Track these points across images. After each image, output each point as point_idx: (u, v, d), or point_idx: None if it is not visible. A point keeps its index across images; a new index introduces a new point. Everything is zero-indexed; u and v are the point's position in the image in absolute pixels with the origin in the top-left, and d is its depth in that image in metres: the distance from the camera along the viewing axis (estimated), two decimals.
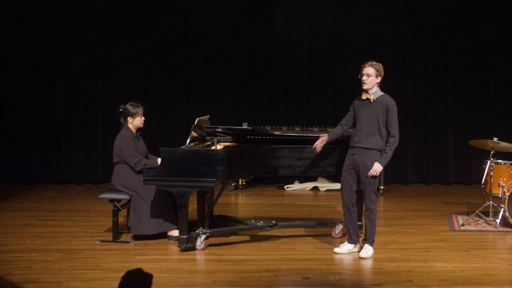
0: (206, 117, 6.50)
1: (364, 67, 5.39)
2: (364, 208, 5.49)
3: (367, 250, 5.44)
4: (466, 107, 9.66)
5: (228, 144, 6.41)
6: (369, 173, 5.30)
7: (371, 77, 5.34)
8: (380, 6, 9.58)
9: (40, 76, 9.47)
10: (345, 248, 5.56)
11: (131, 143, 5.97)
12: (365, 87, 5.38)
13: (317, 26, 9.64)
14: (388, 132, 5.33)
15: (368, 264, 5.29)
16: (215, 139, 6.04)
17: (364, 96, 5.42)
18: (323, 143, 5.65)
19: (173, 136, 9.52)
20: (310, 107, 9.67)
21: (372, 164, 5.30)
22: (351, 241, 5.58)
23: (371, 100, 5.38)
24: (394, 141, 5.32)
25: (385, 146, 5.33)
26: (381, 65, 5.42)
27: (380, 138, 5.34)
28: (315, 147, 5.66)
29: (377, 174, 5.33)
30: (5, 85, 9.42)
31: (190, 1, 9.59)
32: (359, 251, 5.51)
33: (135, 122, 6.10)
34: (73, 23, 9.45)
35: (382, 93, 5.43)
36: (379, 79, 5.39)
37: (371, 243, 5.47)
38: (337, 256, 5.50)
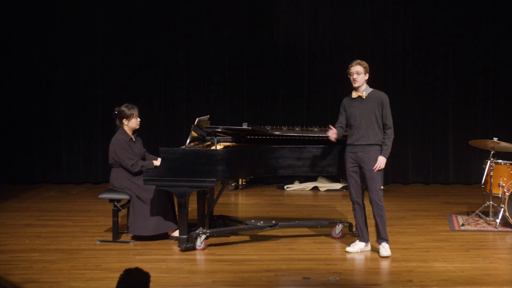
0: (206, 117, 6.49)
1: (352, 66, 5.51)
2: (372, 206, 5.46)
3: (386, 248, 5.44)
4: (466, 107, 9.66)
5: (228, 144, 6.40)
6: (374, 167, 5.36)
7: (361, 75, 5.47)
8: (380, 6, 9.58)
9: (40, 76, 9.47)
10: (357, 247, 5.57)
11: (125, 146, 5.92)
12: (356, 84, 5.48)
13: (317, 26, 9.64)
14: (385, 125, 5.43)
15: (368, 264, 5.29)
16: (215, 139, 6.04)
17: (354, 95, 5.51)
18: (335, 135, 5.54)
19: (173, 136, 9.51)
20: (310, 107, 9.67)
21: (376, 159, 5.37)
22: (363, 239, 5.60)
23: (364, 97, 5.46)
24: (392, 132, 5.45)
25: (384, 138, 5.43)
26: (366, 63, 5.54)
27: (380, 132, 5.44)
28: (328, 137, 5.54)
29: (383, 167, 5.41)
30: (5, 85, 9.42)
31: (190, 1, 9.59)
32: (378, 252, 5.46)
33: (131, 124, 6.06)
34: (73, 23, 9.44)
35: (371, 89, 5.54)
36: (367, 76, 5.52)
37: (388, 241, 5.48)
38: (337, 256, 5.50)
